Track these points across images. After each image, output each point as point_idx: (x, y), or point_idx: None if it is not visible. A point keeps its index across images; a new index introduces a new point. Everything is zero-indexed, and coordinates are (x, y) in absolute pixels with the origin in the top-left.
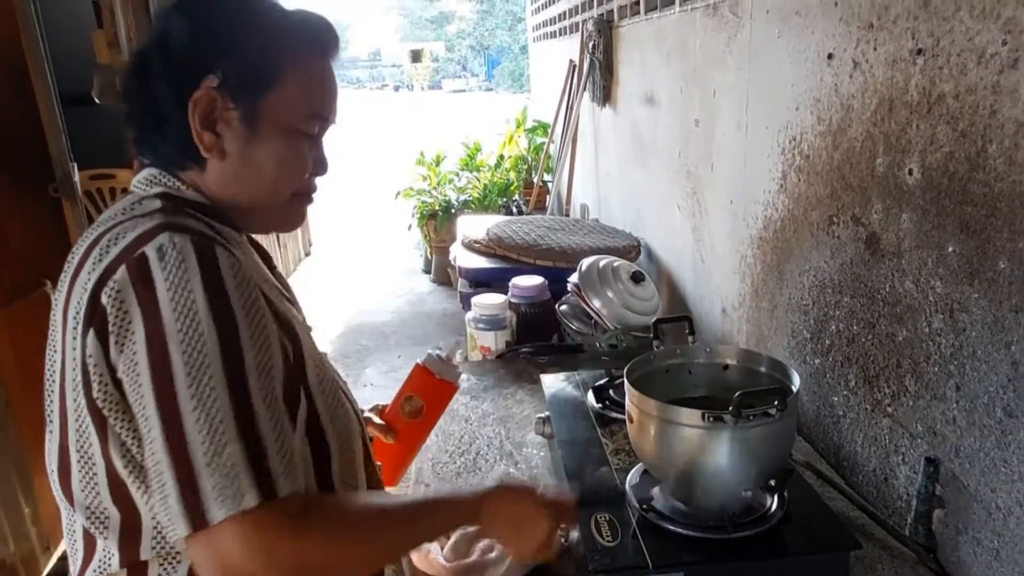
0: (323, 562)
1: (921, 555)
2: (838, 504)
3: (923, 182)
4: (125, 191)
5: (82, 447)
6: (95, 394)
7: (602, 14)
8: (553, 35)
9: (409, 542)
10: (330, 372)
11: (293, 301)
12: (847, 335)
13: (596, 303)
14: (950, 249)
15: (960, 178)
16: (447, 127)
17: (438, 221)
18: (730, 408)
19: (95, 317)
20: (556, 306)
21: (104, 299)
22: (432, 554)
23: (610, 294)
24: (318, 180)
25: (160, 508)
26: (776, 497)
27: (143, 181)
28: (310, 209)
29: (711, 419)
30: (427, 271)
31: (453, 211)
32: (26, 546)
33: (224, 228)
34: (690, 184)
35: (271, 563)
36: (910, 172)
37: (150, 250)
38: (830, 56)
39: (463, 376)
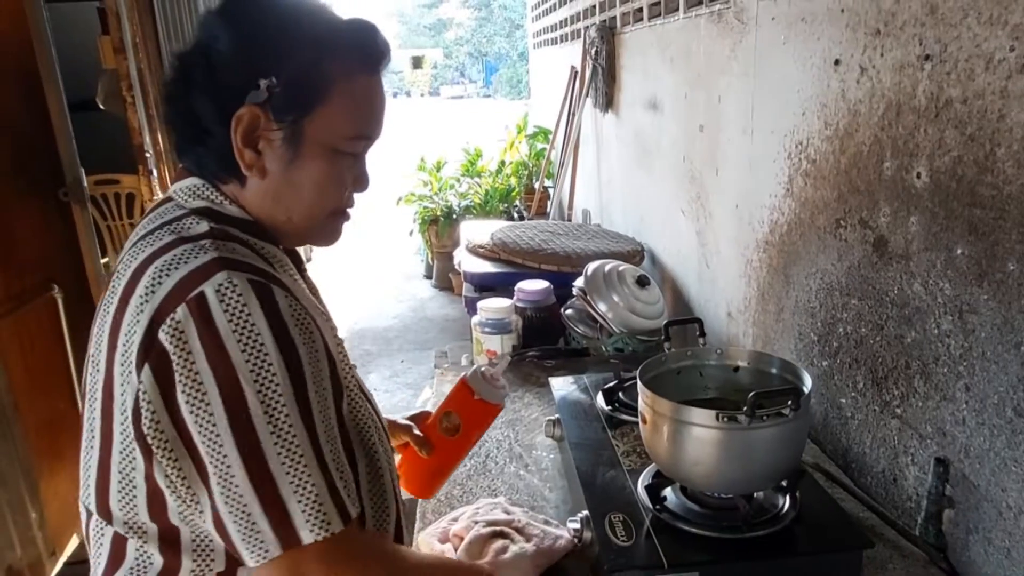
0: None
1: (932, 555)
2: (848, 505)
3: (931, 185)
4: (131, 196)
5: (124, 468)
6: (145, 428)
7: (604, 20)
8: (554, 41)
9: None
10: (357, 384)
11: (326, 312)
12: (855, 337)
13: (602, 307)
14: (959, 251)
15: (969, 181)
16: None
17: (439, 227)
18: (743, 408)
19: (152, 354)
20: (561, 310)
21: (163, 337)
22: (446, 554)
23: (616, 298)
24: (357, 196)
25: (241, 534)
26: (788, 497)
27: (185, 191)
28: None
29: (725, 419)
30: (428, 276)
31: (454, 217)
32: (33, 551)
33: (266, 245)
34: (695, 189)
35: None
36: (918, 175)
37: (209, 290)
38: (837, 62)
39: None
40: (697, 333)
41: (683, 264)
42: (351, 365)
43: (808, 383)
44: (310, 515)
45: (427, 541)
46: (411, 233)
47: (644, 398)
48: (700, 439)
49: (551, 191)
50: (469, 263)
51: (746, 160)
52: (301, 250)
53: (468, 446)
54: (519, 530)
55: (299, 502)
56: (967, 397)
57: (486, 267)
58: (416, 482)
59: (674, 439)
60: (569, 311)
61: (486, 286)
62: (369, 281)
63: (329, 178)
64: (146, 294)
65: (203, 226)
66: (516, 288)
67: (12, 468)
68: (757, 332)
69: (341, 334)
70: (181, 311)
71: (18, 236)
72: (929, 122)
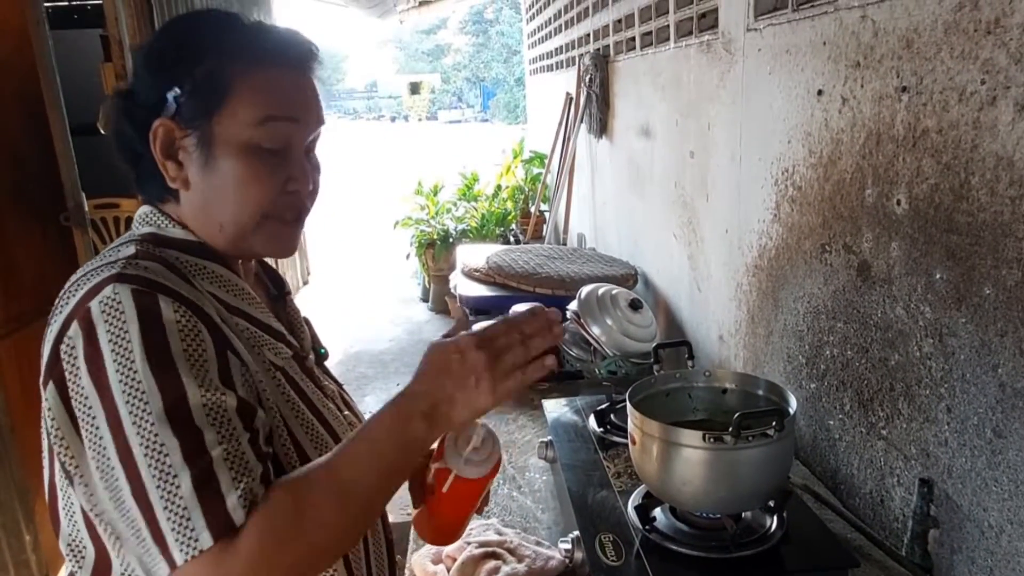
0: (299, 561)
1: (918, 575)
2: (836, 526)
3: (911, 212)
4: (129, 220)
5: (63, 484)
6: (55, 447)
7: (598, 49)
8: (550, 68)
9: (376, 479)
10: (311, 408)
11: (280, 332)
12: (841, 360)
13: (595, 330)
14: (938, 276)
15: (945, 208)
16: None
17: (436, 250)
18: (730, 429)
19: (54, 372)
20: None
21: (62, 354)
22: (440, 567)
23: (609, 321)
24: (309, 200)
25: (143, 553)
26: (776, 517)
27: (139, 220)
28: (307, 234)
29: (712, 440)
30: (425, 299)
31: (451, 240)
32: (26, 574)
33: (209, 264)
34: (686, 214)
35: None
36: (898, 202)
37: (95, 304)
38: (820, 92)
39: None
40: (686, 356)
41: (675, 287)
42: (316, 389)
43: (793, 404)
44: (180, 530)
45: (420, 563)
46: (408, 257)
47: (633, 419)
48: (688, 459)
49: (547, 215)
50: (465, 287)
51: (735, 186)
52: (299, 278)
53: (464, 512)
54: (511, 551)
55: (169, 518)
56: (949, 418)
57: (481, 291)
58: (427, 531)
59: (663, 459)
60: (564, 333)
61: (481, 309)
62: (366, 305)
63: (248, 177)
64: (53, 316)
65: (130, 249)
66: (510, 311)
67: (8, 490)
68: (747, 355)
69: (337, 357)
70: (73, 328)
71: (18, 259)
72: (907, 151)
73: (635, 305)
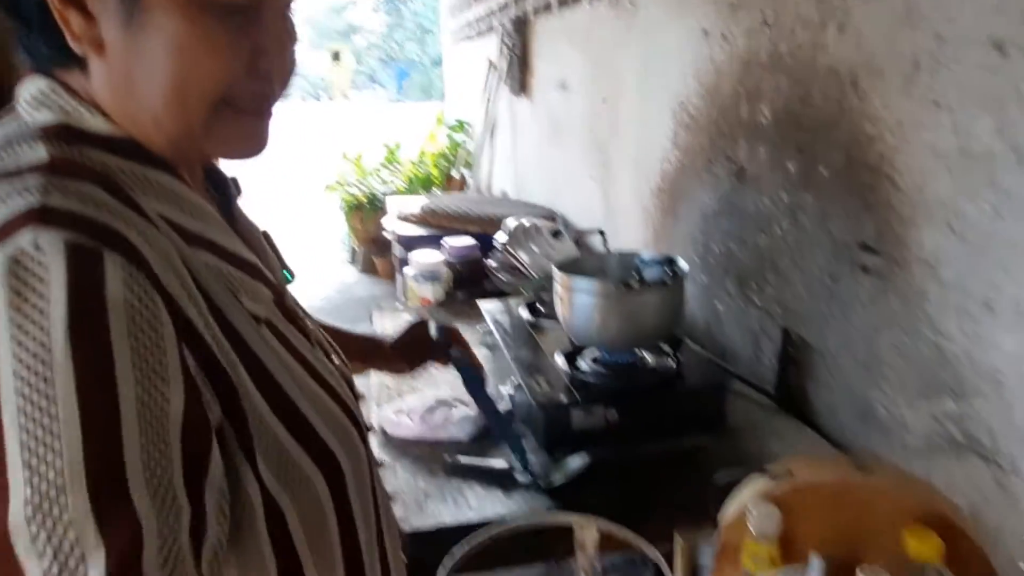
0: None
1: (783, 403)
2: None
3: (772, 121)
4: None
5: None
6: None
7: (518, 14)
8: (471, 37)
9: None
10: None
11: (255, 265)
12: (725, 252)
13: (523, 256)
14: (791, 168)
15: (795, 114)
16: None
17: (364, 213)
18: (634, 274)
19: None
20: (486, 261)
21: None
22: (402, 427)
23: (534, 248)
24: (279, 83)
25: None
26: (671, 359)
27: (29, 99)
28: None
29: (621, 285)
30: (354, 262)
31: (378, 204)
32: None
33: (150, 171)
34: (601, 156)
35: None
36: (764, 115)
37: (3, 255)
38: (705, 32)
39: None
40: (602, 241)
41: (591, 223)
42: (302, 338)
43: (685, 265)
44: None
45: (384, 415)
46: (335, 220)
47: (560, 282)
48: (603, 305)
49: (470, 180)
50: (400, 228)
51: (641, 123)
52: None
53: None
54: (462, 401)
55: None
56: (800, 276)
57: (416, 231)
58: None
59: (583, 307)
60: (493, 262)
61: (416, 247)
62: (295, 267)
63: (196, 43)
64: None
65: (38, 153)
66: (444, 243)
67: None
68: None
69: None
70: None
71: None
72: (769, 73)
73: (556, 234)
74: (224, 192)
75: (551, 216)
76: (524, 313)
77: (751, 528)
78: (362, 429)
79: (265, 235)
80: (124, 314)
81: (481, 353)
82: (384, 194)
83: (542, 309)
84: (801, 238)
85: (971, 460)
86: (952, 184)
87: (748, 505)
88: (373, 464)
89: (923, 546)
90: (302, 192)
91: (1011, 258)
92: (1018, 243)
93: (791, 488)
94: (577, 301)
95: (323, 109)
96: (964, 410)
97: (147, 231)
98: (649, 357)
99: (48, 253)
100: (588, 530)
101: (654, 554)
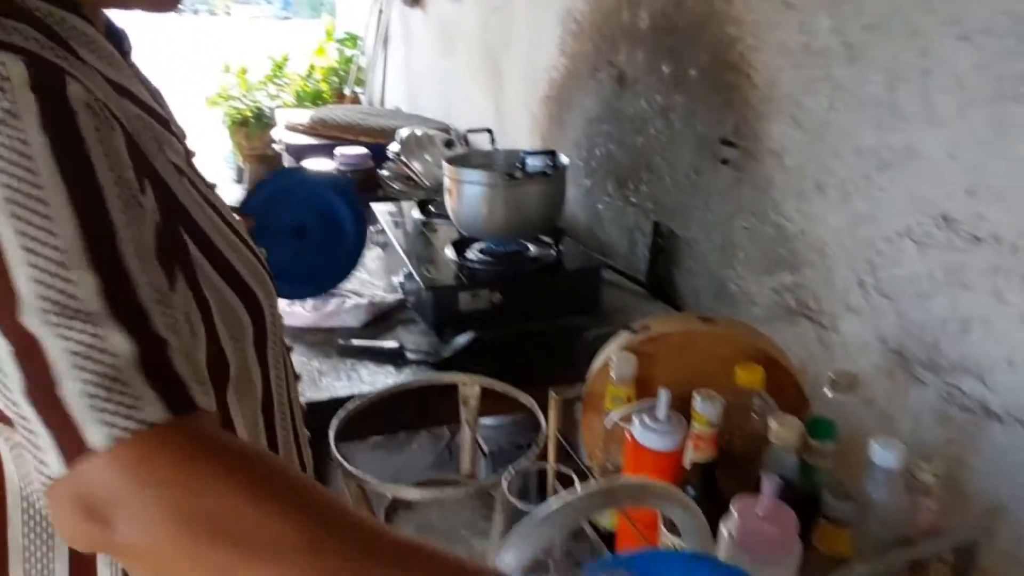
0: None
1: (653, 290)
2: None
3: (650, 25)
4: None
5: None
6: None
7: None
8: None
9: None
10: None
11: (172, 120)
12: (606, 154)
13: (416, 166)
14: (664, 70)
15: (670, 17)
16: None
17: (250, 128)
18: (517, 165)
19: None
20: (378, 171)
21: None
22: (297, 307)
23: (427, 157)
24: None
25: (30, 455)
26: (553, 250)
27: None
28: None
29: (504, 175)
30: (239, 181)
31: (265, 120)
32: None
33: (69, 17)
34: (492, 66)
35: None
36: (642, 19)
37: None
38: None
39: None
40: (490, 140)
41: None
42: (207, 187)
43: (565, 159)
44: (106, 405)
45: (288, 309)
46: (218, 137)
47: (448, 174)
48: (489, 195)
49: (361, 97)
50: (289, 138)
51: (531, 31)
52: None
53: None
54: (355, 292)
55: (86, 393)
56: (670, 172)
57: (306, 140)
58: None
59: (471, 199)
60: (386, 172)
61: (306, 157)
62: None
63: None
64: None
65: None
66: (336, 153)
67: None
68: None
69: None
70: None
71: None
72: None
73: (449, 144)
74: (120, 47)
75: (445, 127)
76: (416, 213)
77: (612, 375)
78: (273, 280)
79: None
80: (88, 112)
81: (373, 253)
82: (271, 109)
83: (434, 209)
84: (672, 137)
85: (801, 323)
86: (797, 79)
87: (610, 355)
88: (280, 324)
89: (749, 376)
90: (180, 109)
91: (841, 144)
92: (847, 131)
93: (646, 338)
94: (465, 192)
95: (202, 24)
96: (797, 280)
97: (88, 75)
98: (532, 247)
99: (7, 64)
100: (471, 387)
101: (529, 401)
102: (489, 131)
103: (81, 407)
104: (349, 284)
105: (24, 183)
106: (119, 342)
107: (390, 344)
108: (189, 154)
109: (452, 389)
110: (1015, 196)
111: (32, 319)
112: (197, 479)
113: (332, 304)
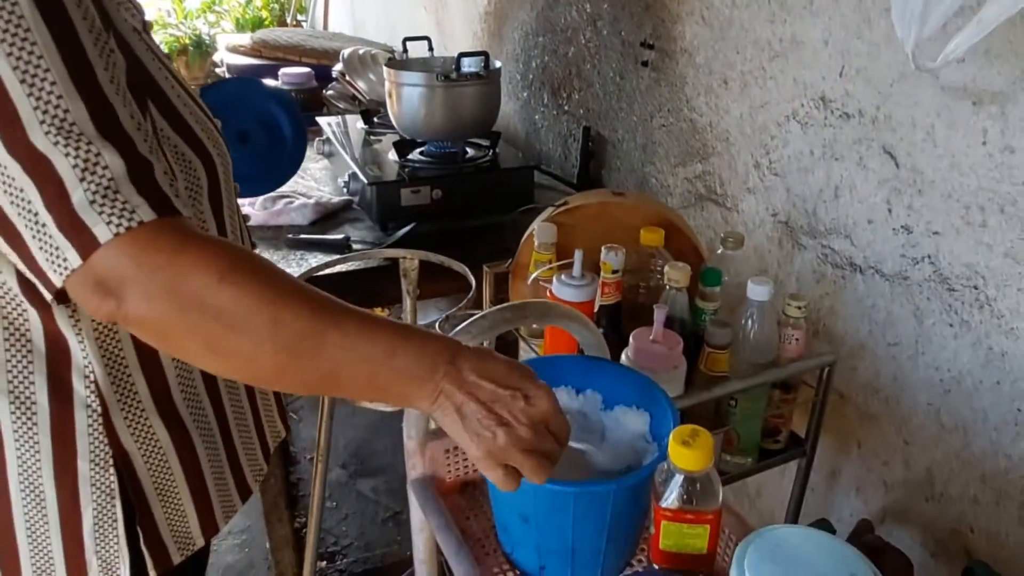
0: (238, 308)
1: (582, 190)
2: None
3: None
4: None
5: None
6: None
7: None
8: None
9: (346, 370)
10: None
11: None
12: (541, 66)
13: (360, 84)
14: None
15: None
16: None
17: (189, 56)
18: (453, 67)
19: None
20: (323, 92)
21: None
22: (246, 208)
23: (372, 76)
24: None
25: (38, 254)
26: (490, 152)
27: None
28: None
29: (440, 77)
30: None
31: (205, 47)
32: None
33: None
34: None
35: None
36: None
37: None
38: None
39: None
40: (428, 48)
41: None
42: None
43: (498, 62)
44: (105, 204)
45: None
46: None
47: (389, 78)
48: (427, 95)
49: (304, 25)
50: (230, 59)
51: None
52: None
53: None
54: (301, 194)
55: (92, 201)
56: (599, 79)
57: (248, 61)
58: None
59: (410, 100)
60: (330, 92)
61: (247, 75)
62: None
63: None
64: None
65: None
66: (280, 73)
67: None
68: None
69: None
70: None
71: None
72: None
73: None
74: None
75: (390, 48)
76: (360, 124)
77: (535, 244)
78: (224, 139)
79: None
80: None
81: (319, 164)
82: (210, 36)
83: (377, 120)
84: (600, 44)
85: (709, 207)
86: None
87: (534, 227)
88: (233, 188)
89: (651, 237)
90: None
91: (742, 40)
92: (747, 27)
93: (565, 210)
94: (404, 95)
95: None
96: (706, 168)
97: None
98: (470, 150)
99: None
100: (411, 261)
101: (462, 268)
102: (427, 39)
103: (89, 212)
104: (296, 188)
105: (11, 25)
106: (112, 159)
107: (337, 236)
108: (146, 25)
109: (395, 272)
110: (873, 73)
111: (39, 139)
112: (183, 265)
113: (280, 203)
